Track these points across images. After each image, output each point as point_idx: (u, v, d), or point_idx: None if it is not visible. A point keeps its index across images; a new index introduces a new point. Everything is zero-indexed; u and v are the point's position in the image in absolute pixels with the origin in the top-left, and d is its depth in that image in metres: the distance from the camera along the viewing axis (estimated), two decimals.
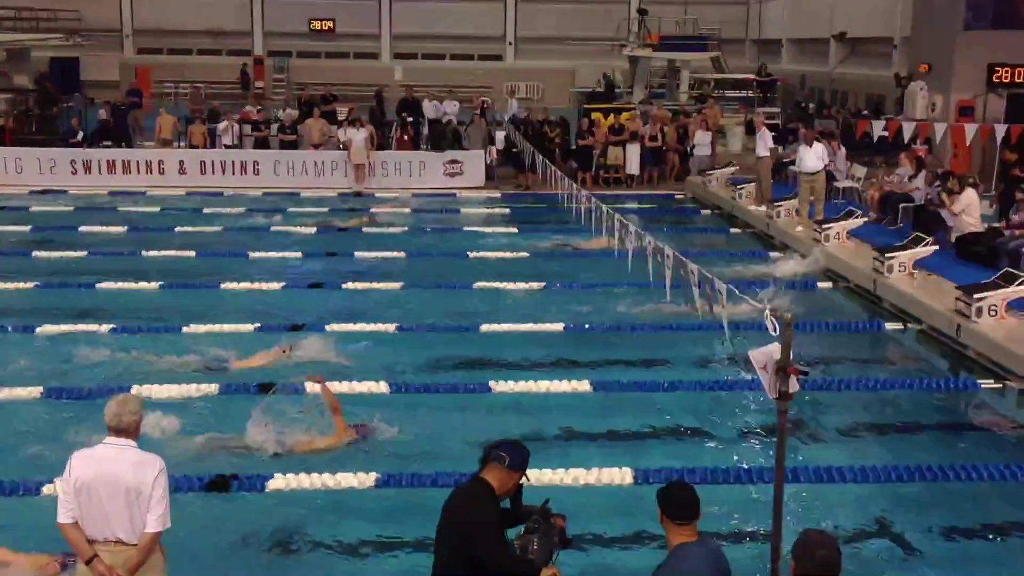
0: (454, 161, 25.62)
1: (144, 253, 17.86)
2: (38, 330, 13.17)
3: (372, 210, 22.55)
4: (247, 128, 26.55)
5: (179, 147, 26.26)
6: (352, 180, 24.88)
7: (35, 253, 17.91)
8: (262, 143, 26.31)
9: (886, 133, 22.65)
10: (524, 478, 5.69)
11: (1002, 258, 15.06)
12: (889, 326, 14.01)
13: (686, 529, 5.21)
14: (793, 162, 21.48)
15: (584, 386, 11.27)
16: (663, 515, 5.24)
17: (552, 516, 5.71)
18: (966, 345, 12.70)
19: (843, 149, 22.95)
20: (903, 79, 29.10)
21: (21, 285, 15.54)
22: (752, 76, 35.32)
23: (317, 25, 48.45)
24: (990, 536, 8.37)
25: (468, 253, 18.32)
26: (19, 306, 14.56)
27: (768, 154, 21.34)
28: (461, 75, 43.82)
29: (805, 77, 39.84)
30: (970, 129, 21.92)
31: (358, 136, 24.95)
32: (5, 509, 8.44)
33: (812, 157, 18.81)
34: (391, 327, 13.44)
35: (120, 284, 15.67)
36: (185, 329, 13.29)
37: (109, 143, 25.87)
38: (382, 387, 11.17)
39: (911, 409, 11.21)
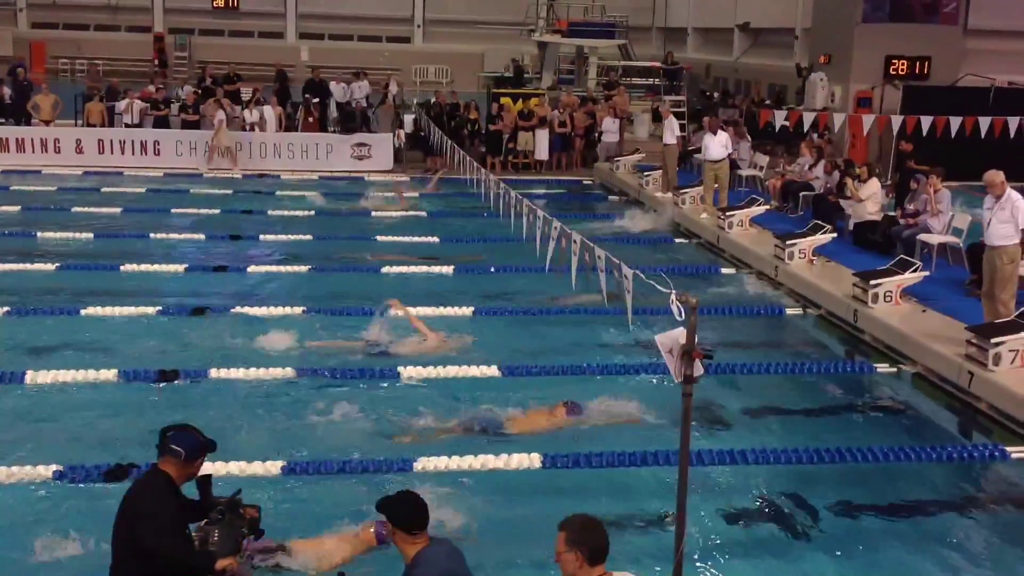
0: (362, 144, 25.37)
1: (40, 234, 17.29)
2: None
3: (405, 194, 22.06)
4: (147, 107, 25.83)
5: (77, 125, 25.44)
6: (210, 162, 24.34)
7: None
8: (162, 123, 25.65)
9: (787, 123, 23.14)
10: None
11: (897, 246, 15.55)
12: (789, 311, 14.35)
13: (420, 537, 5.28)
14: (698, 150, 21.81)
15: (493, 371, 11.30)
16: (396, 530, 5.27)
17: (243, 507, 5.70)
18: (863, 330, 13.08)
19: (748, 138, 23.38)
20: (804, 69, 29.75)
21: None
22: (659, 64, 35.68)
23: (220, 2, 47.32)
24: (883, 515, 8.63)
25: (377, 237, 18.18)
26: None
27: (675, 142, 21.60)
28: (369, 57, 43.27)
29: (710, 66, 40.42)
30: (867, 120, 22.55)
31: (268, 115, 24.68)
32: None
33: (716, 145, 19.12)
34: (298, 310, 13.28)
35: (15, 265, 15.15)
36: (83, 311, 12.93)
37: (3, 120, 24.95)
38: (289, 372, 11.03)
39: (810, 392, 11.50)
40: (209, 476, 5.75)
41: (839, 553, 7.96)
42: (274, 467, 8.79)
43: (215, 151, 24.32)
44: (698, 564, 7.52)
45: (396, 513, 5.29)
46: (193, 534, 5.58)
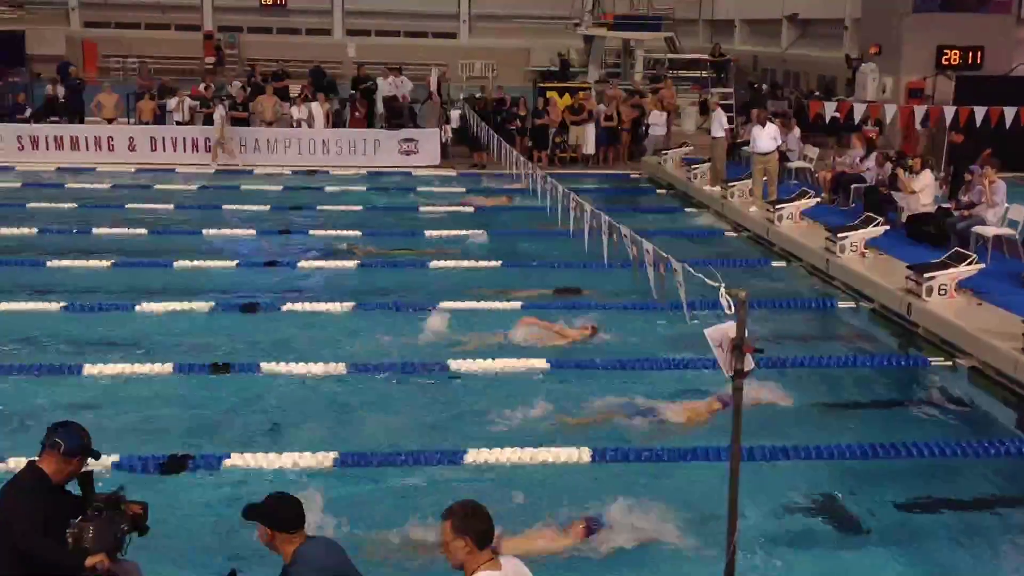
0: (409, 139, 25.48)
1: (95, 230, 17.58)
2: None
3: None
4: (197, 104, 26.14)
5: (129, 123, 25.82)
6: (215, 159, 24.49)
7: None
8: (211, 120, 25.91)
9: (838, 114, 22.87)
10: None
11: (952, 238, 15.33)
12: (841, 305, 14.21)
13: (297, 535, 5.22)
14: (747, 143, 21.65)
15: (541, 364, 11.31)
16: (271, 531, 5.18)
17: (125, 504, 5.63)
18: (916, 324, 12.91)
19: (797, 129, 23.15)
20: (854, 60, 29.38)
21: None
22: (706, 56, 35.41)
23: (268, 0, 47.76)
24: (938, 511, 8.53)
25: (425, 232, 18.27)
26: None
27: (723, 135, 21.47)
28: (415, 52, 43.46)
29: (758, 58, 40.07)
30: (919, 111, 22.21)
31: (316, 111, 24.93)
32: None
33: (765, 138, 18.96)
34: (348, 305, 13.40)
35: (71, 262, 15.43)
36: (137, 308, 13.14)
37: (56, 119, 25.40)
38: (340, 368, 11.13)
39: (863, 386, 11.38)
40: (90, 473, 5.67)
41: (892, 549, 7.87)
42: (326, 459, 8.87)
43: (218, 147, 24.50)
44: (751, 560, 7.46)
45: (273, 516, 5.20)
46: (69, 531, 5.48)
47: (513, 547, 7.32)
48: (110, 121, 25.46)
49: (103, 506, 5.54)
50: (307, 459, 8.85)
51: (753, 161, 19.56)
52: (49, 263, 15.33)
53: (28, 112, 25.50)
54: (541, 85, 29.33)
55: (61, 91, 26.60)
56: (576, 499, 8.45)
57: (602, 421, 10.05)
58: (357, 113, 26.29)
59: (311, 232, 17.96)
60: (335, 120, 26.05)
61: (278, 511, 5.23)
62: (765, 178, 19.22)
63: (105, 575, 5.35)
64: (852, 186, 19.04)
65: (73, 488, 5.70)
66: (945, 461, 9.28)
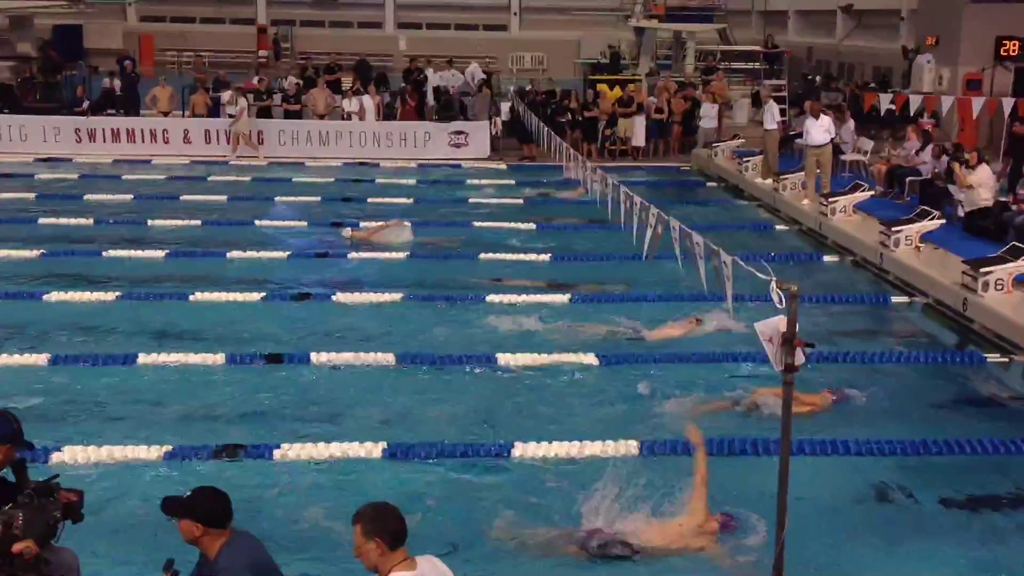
0: (459, 132, 25.55)
1: (150, 222, 17.85)
2: (44, 297, 13.22)
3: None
4: (251, 97, 26.40)
5: (183, 116, 26.17)
6: (234, 151, 24.66)
7: (41, 220, 17.90)
8: (266, 113, 26.21)
9: (893, 106, 22.52)
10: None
11: (1009, 232, 15.03)
12: (895, 299, 14.02)
13: (226, 531, 5.10)
14: (799, 135, 21.39)
15: (590, 358, 11.30)
16: (203, 526, 5.03)
17: (60, 491, 5.53)
18: (972, 319, 12.69)
19: (851, 121, 22.84)
20: (910, 52, 28.91)
21: (27, 253, 15.57)
22: (758, 48, 35.05)
23: None
24: (994, 509, 8.39)
25: (474, 224, 18.32)
26: (26, 273, 14.57)
27: (775, 127, 21.25)
28: (465, 45, 43.52)
29: (812, 49, 39.57)
30: (977, 103, 21.77)
31: (367, 104, 25.11)
32: None
33: (819, 130, 18.72)
34: (397, 296, 13.48)
35: (126, 252, 15.68)
36: (191, 298, 13.33)
37: (113, 111, 25.81)
38: (389, 358, 11.21)
39: (917, 382, 11.22)
40: (23, 460, 5.62)
41: (946, 546, 7.76)
42: (375, 449, 8.94)
43: (237, 139, 24.67)
44: (800, 555, 7.39)
45: (204, 511, 5.08)
46: None
47: (649, 536, 7.42)
48: (165, 114, 25.80)
49: (35, 493, 5.47)
50: (356, 449, 8.93)
51: (806, 154, 19.33)
52: (105, 253, 15.61)
53: (86, 105, 25.93)
54: (591, 77, 29.25)
55: (118, 84, 27.02)
56: (625, 495, 8.44)
57: (652, 414, 10.01)
58: (407, 105, 26.40)
59: (362, 224, 18.07)
60: (386, 113, 26.19)
61: (209, 505, 5.10)
62: (818, 171, 18.98)
63: (34, 562, 5.28)
64: (907, 179, 18.76)
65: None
66: (1000, 458, 9.12)
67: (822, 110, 19.48)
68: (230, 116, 25.65)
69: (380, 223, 14.83)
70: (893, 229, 15.19)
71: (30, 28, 36.93)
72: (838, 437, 9.32)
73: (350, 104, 25.71)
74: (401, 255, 15.78)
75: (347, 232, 16.31)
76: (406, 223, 15.44)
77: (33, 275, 14.45)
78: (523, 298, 13.52)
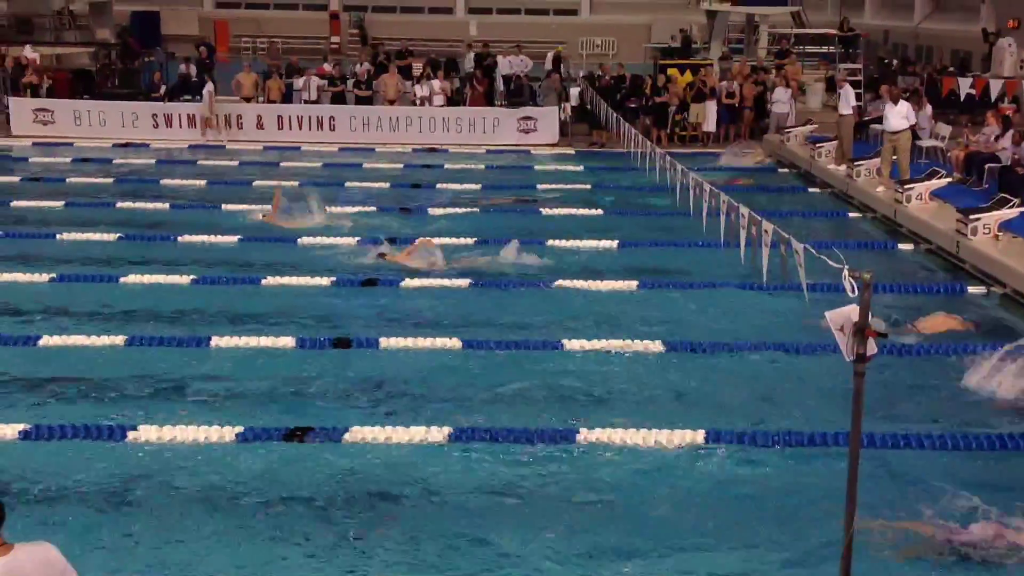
0: (528, 118, 25.52)
1: (224, 206, 18.15)
2: (121, 280, 13.54)
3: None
4: (324, 83, 26.68)
5: (258, 102, 26.53)
6: (204, 135, 24.86)
7: (118, 204, 18.31)
8: (339, 99, 26.45)
9: (973, 91, 21.98)
10: None
11: None
12: (971, 290, 13.70)
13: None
14: (875, 120, 21.02)
15: (656, 346, 11.25)
16: None
17: None
18: None
19: (928, 107, 22.33)
20: (991, 35, 28.17)
21: (105, 236, 15.94)
22: (833, 31, 34.39)
23: None
24: None
25: (542, 210, 18.31)
26: (103, 256, 14.93)
27: (851, 112, 20.88)
28: (535, 30, 43.42)
29: (888, 32, 38.75)
30: None
31: (436, 89, 25.25)
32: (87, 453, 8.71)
33: (896, 116, 18.35)
34: (464, 282, 13.55)
35: (200, 237, 15.98)
36: (263, 282, 13.55)
37: (189, 97, 26.27)
38: (455, 343, 11.27)
39: (996, 374, 10.93)
40: None
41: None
42: (440, 434, 9.00)
43: (207, 122, 24.84)
44: (868, 549, 7.30)
45: None
46: None
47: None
48: (248, 100, 26.18)
49: None
50: (422, 433, 9.00)
51: (884, 139, 18.96)
52: (180, 238, 15.92)
53: (163, 91, 26.42)
54: (662, 62, 28.98)
55: (195, 70, 27.48)
56: (690, 484, 8.42)
57: (717, 404, 9.95)
58: (476, 91, 26.43)
59: (429, 210, 18.20)
60: (455, 98, 26.27)
61: None
62: (894, 157, 18.61)
63: None
64: (986, 166, 18.27)
65: None
66: None
67: (901, 95, 19.08)
68: (304, 102, 25.96)
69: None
70: (970, 217, 14.84)
71: (109, 15, 37.80)
72: (908, 430, 9.16)
73: (421, 89, 25.84)
74: (470, 240, 15.81)
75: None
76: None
77: (111, 258, 14.80)
78: (592, 283, 13.49)
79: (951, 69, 29.19)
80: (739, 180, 20.90)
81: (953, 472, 8.48)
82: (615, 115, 23.24)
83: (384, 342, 11.27)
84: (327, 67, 28.08)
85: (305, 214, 16.98)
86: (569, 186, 20.77)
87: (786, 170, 22.77)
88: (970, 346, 11.36)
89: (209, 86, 25.22)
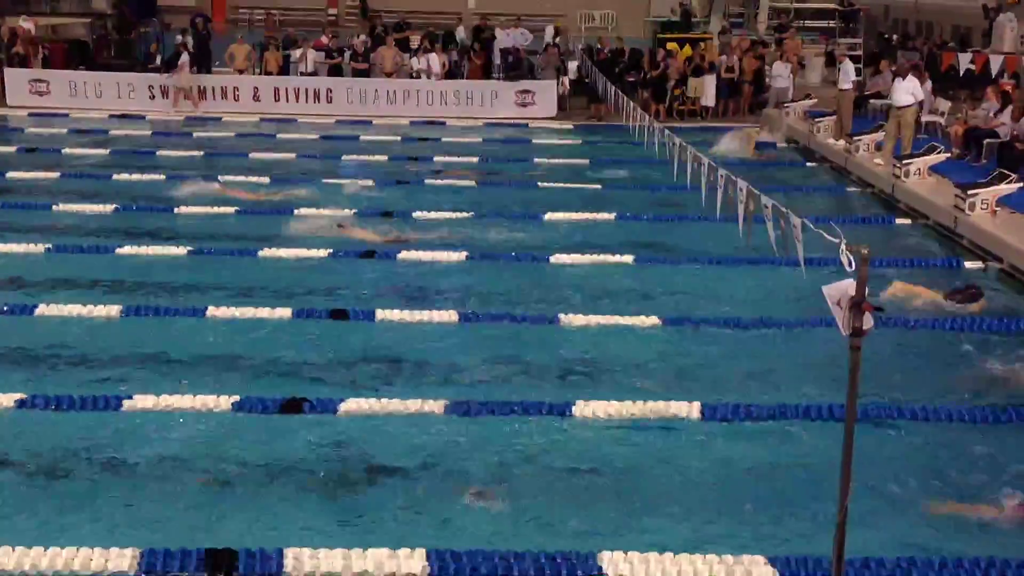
0: (526, 91, 25.41)
1: (221, 178, 18.09)
2: (117, 251, 13.50)
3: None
4: (321, 56, 26.53)
5: (254, 74, 26.39)
6: (175, 105, 24.77)
7: (114, 176, 18.24)
8: (336, 71, 26.31)
9: (973, 66, 21.87)
10: None
11: None
12: (969, 265, 13.70)
13: None
14: (875, 95, 20.97)
15: (653, 320, 11.25)
16: None
17: None
18: None
19: (928, 82, 22.25)
20: (992, 10, 28.03)
21: (101, 207, 15.89)
22: (833, 6, 34.24)
23: None
24: None
25: (539, 183, 18.28)
26: (99, 227, 14.89)
27: (850, 87, 20.81)
28: (534, 4, 43.13)
29: (889, 7, 38.54)
30: None
31: (434, 62, 25.11)
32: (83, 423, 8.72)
33: (901, 91, 18.29)
34: (461, 256, 13.53)
35: (197, 208, 15.93)
36: (260, 253, 13.53)
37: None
38: (452, 316, 11.27)
39: (990, 349, 10.96)
40: None
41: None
42: (437, 406, 9.01)
43: (179, 93, 24.72)
44: (862, 523, 7.32)
45: None
46: None
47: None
48: (241, 72, 26.03)
49: None
50: (418, 405, 9.01)
51: (890, 115, 18.91)
52: (177, 209, 15.87)
53: (159, 62, 26.26)
54: (661, 36, 28.85)
55: (191, 42, 27.27)
56: (685, 457, 8.44)
57: (715, 379, 9.96)
58: (474, 64, 26.29)
59: (427, 182, 18.17)
60: (453, 71, 26.14)
61: None
62: (899, 134, 18.52)
63: None
64: (985, 141, 18.23)
65: None
66: None
67: (910, 70, 18.99)
68: (301, 74, 25.82)
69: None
70: (968, 192, 14.82)
71: None
72: (902, 404, 9.18)
73: (418, 62, 25.71)
74: (467, 214, 15.79)
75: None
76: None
77: (106, 229, 14.76)
78: (588, 258, 13.48)
79: (951, 44, 29.07)
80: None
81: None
82: (614, 89, 23.15)
83: (381, 314, 11.26)
84: (324, 39, 27.91)
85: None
86: (567, 160, 20.72)
87: (785, 144, 22.64)
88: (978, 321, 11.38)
89: (185, 56, 25.02)
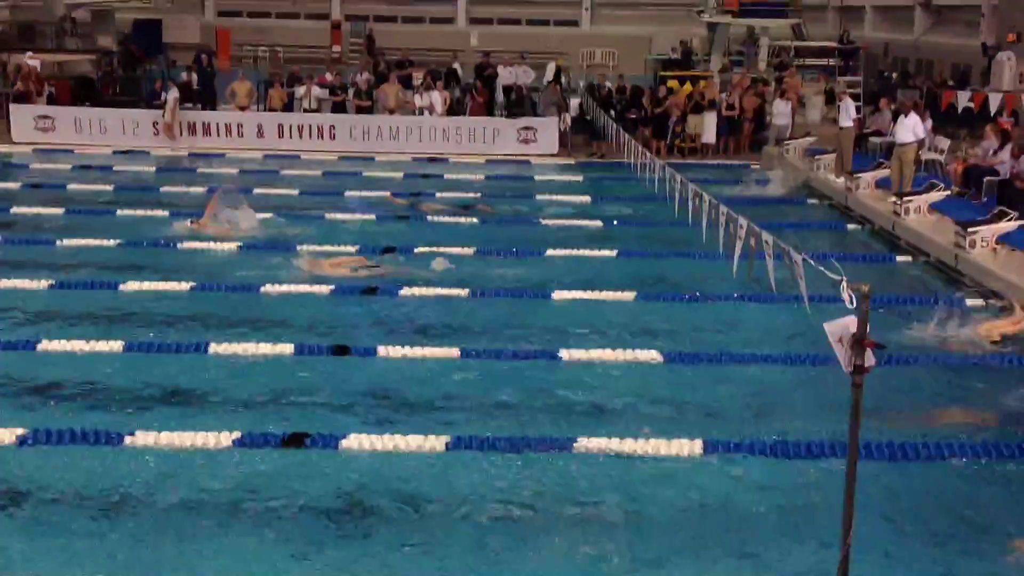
0: (528, 128, 25.56)
1: (221, 216, 18.09)
2: (121, 287, 13.53)
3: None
4: (325, 93, 26.71)
5: (258, 111, 26.56)
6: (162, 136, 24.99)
7: (119, 212, 18.31)
8: (339, 108, 26.49)
9: (971, 104, 22.00)
10: None
11: None
12: (969, 302, 13.71)
13: None
14: (874, 133, 21.07)
15: (654, 356, 11.25)
16: None
17: None
18: None
19: (929, 120, 22.37)
20: (991, 49, 28.24)
21: (105, 242, 15.94)
22: (834, 44, 34.51)
23: None
24: None
25: (541, 220, 18.34)
26: (102, 263, 14.92)
27: (851, 124, 20.93)
28: (536, 41, 43.51)
29: (888, 45, 38.84)
30: None
31: (436, 99, 25.28)
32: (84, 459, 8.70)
33: (903, 128, 18.41)
34: (463, 292, 13.56)
35: (200, 243, 15.98)
36: (261, 289, 13.55)
37: (190, 105, 26.29)
38: (454, 352, 11.27)
39: (994, 386, 10.96)
40: None
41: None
42: (439, 443, 9.00)
43: (168, 128, 24.91)
44: (865, 559, 7.30)
45: None
46: None
47: None
48: (243, 109, 26.21)
49: None
50: (419, 441, 9.00)
51: (894, 153, 19.01)
52: (180, 245, 15.92)
53: (164, 98, 26.42)
54: (662, 73, 29.05)
55: (195, 78, 27.50)
56: (687, 494, 8.42)
57: (716, 414, 9.95)
58: (476, 101, 26.47)
59: (429, 218, 18.23)
60: (455, 108, 26.31)
61: None
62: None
63: None
64: (985, 179, 18.31)
65: None
66: None
67: (912, 108, 19.10)
68: (305, 110, 25.98)
69: (209, 205, 14.97)
70: (969, 230, 14.87)
71: (111, 22, 37.80)
72: (906, 440, 9.16)
73: (421, 99, 25.88)
74: (469, 250, 15.83)
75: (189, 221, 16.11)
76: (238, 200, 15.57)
77: (110, 264, 14.80)
78: (590, 294, 13.51)
79: (950, 83, 29.27)
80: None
81: None
82: (615, 126, 23.28)
83: (383, 350, 11.28)
84: (328, 76, 28.12)
85: (236, 221, 16.75)
86: (568, 196, 20.80)
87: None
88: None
89: (174, 92, 25.20)
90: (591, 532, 7.77)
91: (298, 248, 15.39)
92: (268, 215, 18.08)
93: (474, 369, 10.98)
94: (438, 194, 20.53)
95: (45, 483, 8.23)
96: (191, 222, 16.56)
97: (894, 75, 33.33)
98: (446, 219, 18.20)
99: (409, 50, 34.18)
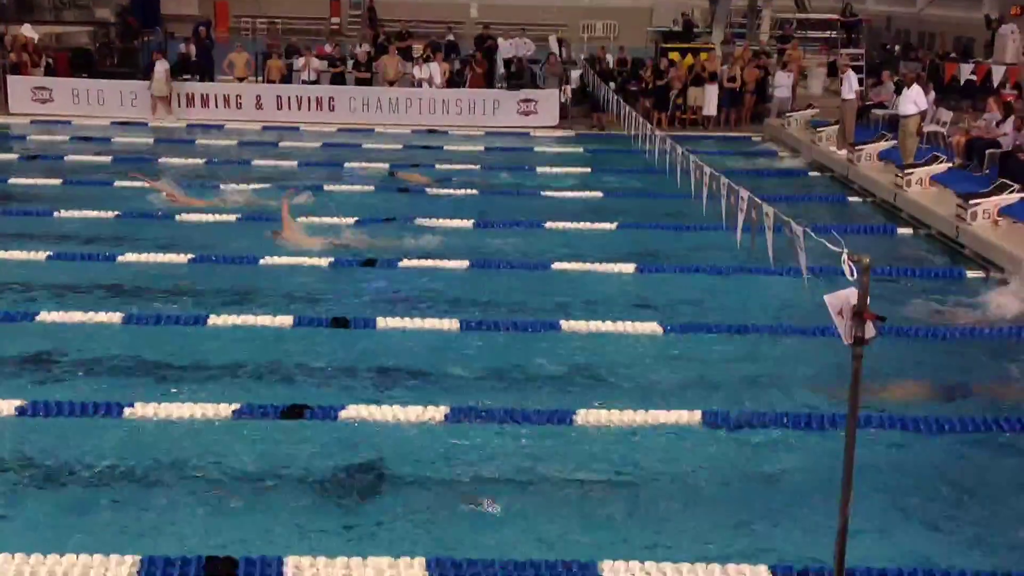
0: (528, 100, 25.43)
1: (222, 186, 18.08)
2: (119, 259, 13.49)
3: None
4: (324, 64, 26.56)
5: (257, 82, 26.42)
6: (154, 113, 24.75)
7: (116, 183, 18.25)
8: (338, 79, 26.34)
9: (974, 77, 21.89)
10: None
11: None
12: (970, 274, 13.69)
13: None
14: (877, 105, 20.95)
15: (654, 328, 11.24)
16: None
17: None
18: None
19: (932, 92, 22.26)
20: (994, 21, 28.08)
21: (103, 214, 15.88)
22: (836, 16, 34.30)
23: None
24: None
25: (541, 192, 18.27)
26: (101, 234, 14.88)
27: (853, 96, 20.82)
28: (536, 12, 43.24)
29: (891, 18, 38.62)
30: None
31: (435, 71, 25.11)
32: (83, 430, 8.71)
33: (905, 100, 18.33)
34: (463, 264, 13.52)
35: (198, 216, 15.93)
36: (261, 262, 13.51)
37: (188, 76, 26.14)
38: (454, 324, 11.26)
39: (992, 358, 10.96)
40: None
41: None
42: (438, 414, 9.00)
43: (156, 101, 24.73)
44: (862, 532, 7.30)
45: None
46: None
47: None
48: (241, 80, 26.04)
49: None
50: (419, 412, 9.00)
51: (900, 125, 18.95)
52: (178, 217, 15.87)
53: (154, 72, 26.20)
54: (663, 46, 28.88)
55: (193, 50, 27.32)
56: (686, 465, 8.43)
57: (716, 385, 9.95)
58: (476, 73, 26.31)
59: (428, 191, 18.17)
60: (455, 80, 26.16)
61: None
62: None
63: None
64: (987, 151, 18.23)
65: None
66: None
67: (914, 79, 19.00)
68: (303, 82, 25.83)
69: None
70: (970, 202, 14.82)
71: None
72: (905, 413, 9.16)
73: (420, 71, 25.74)
74: (468, 223, 15.78)
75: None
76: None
77: (108, 236, 14.75)
78: (590, 266, 13.48)
79: (953, 55, 29.11)
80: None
81: None
82: (616, 98, 23.17)
83: (382, 322, 11.26)
84: (327, 48, 27.94)
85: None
86: (569, 168, 20.73)
87: (786, 154, 22.65)
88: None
89: (164, 64, 25.01)
90: (591, 502, 7.78)
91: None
92: (267, 186, 18.03)
93: (474, 340, 10.97)
94: (438, 166, 20.43)
95: (42, 454, 8.23)
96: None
97: (896, 47, 33.16)
98: (444, 191, 18.12)
99: (409, 22, 33.90)
